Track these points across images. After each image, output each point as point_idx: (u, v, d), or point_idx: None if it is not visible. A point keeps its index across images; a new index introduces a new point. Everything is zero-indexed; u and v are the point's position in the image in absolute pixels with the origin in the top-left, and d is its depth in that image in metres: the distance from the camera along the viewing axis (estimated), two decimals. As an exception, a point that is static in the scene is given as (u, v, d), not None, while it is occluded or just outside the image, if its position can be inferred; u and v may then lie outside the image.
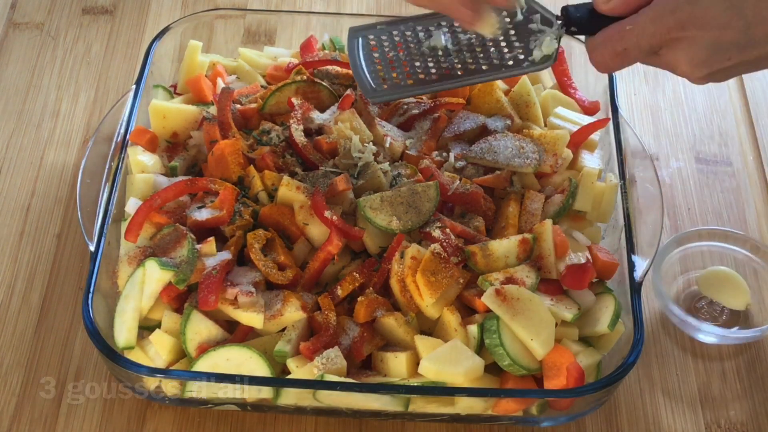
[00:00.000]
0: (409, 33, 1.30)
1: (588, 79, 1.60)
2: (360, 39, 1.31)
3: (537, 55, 1.24)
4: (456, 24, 1.28)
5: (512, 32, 1.26)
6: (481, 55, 1.27)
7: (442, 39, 1.28)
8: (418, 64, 1.28)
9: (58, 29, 1.86)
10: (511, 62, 1.25)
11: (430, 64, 1.28)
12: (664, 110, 1.77)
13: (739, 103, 1.77)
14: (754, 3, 1.06)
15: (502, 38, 1.26)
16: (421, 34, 1.30)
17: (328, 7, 1.91)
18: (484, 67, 1.26)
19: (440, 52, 1.28)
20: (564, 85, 1.58)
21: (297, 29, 1.73)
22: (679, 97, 1.79)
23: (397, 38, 1.30)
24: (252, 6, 1.92)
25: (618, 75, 1.54)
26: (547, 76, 1.63)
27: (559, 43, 1.24)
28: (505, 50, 1.26)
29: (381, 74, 1.29)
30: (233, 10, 1.84)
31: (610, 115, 1.49)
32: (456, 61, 1.27)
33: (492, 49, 1.26)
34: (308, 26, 1.69)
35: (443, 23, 1.29)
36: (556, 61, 1.24)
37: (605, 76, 1.54)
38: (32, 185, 1.62)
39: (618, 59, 1.16)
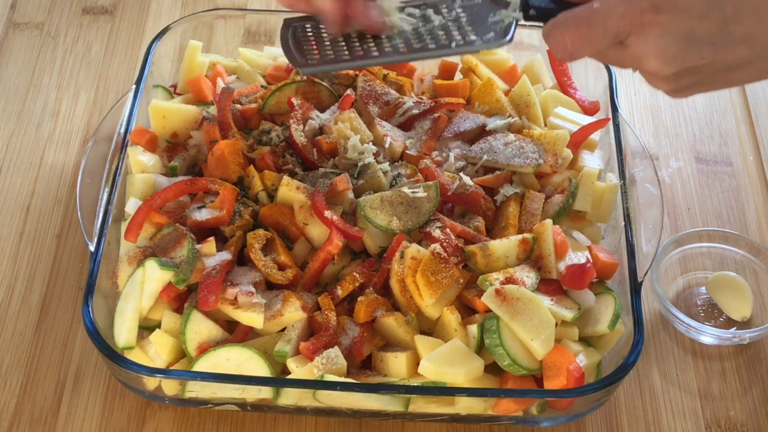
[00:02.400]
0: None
1: (588, 79, 1.60)
2: (293, 27, 1.26)
3: (491, 35, 1.16)
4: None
5: (463, 16, 1.19)
6: (428, 37, 1.20)
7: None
8: (357, 44, 1.22)
9: (58, 29, 1.86)
10: (461, 41, 1.17)
11: (371, 44, 1.21)
12: (664, 110, 1.77)
13: (739, 102, 1.77)
14: None
15: (452, 22, 1.19)
16: None
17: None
18: (431, 46, 1.18)
19: (382, 35, 1.22)
20: (564, 85, 1.58)
21: (297, 29, 1.72)
22: (679, 97, 1.78)
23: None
24: (252, 6, 1.92)
25: (618, 75, 1.54)
26: (547, 76, 1.63)
27: (515, 23, 1.16)
28: (455, 33, 1.18)
29: (314, 51, 1.22)
30: (233, 10, 1.84)
31: (610, 115, 1.49)
32: (399, 41, 1.21)
33: (440, 33, 1.19)
34: (308, 26, 1.69)
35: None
36: (511, 40, 1.15)
37: (605, 76, 1.54)
38: (32, 185, 1.62)
39: (580, 42, 1.05)
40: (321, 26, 1.26)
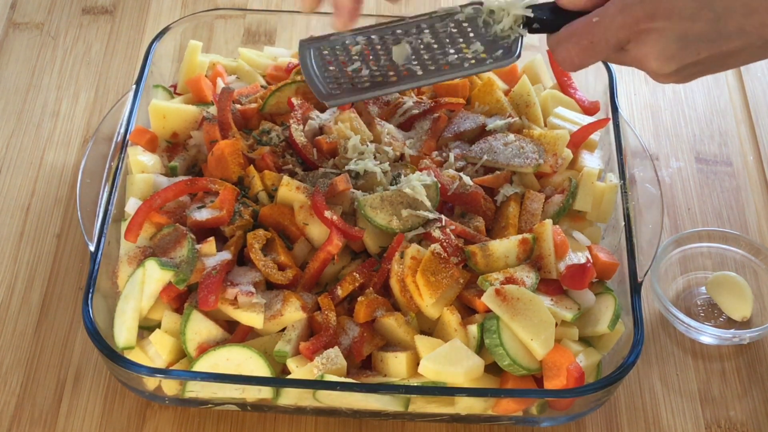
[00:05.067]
0: (363, 40, 1.29)
1: (588, 79, 1.60)
2: (311, 50, 1.30)
3: (499, 52, 1.22)
4: (413, 28, 1.27)
5: (471, 34, 1.25)
6: (440, 55, 1.25)
7: (407, 48, 1.26)
8: (375, 68, 1.26)
9: (58, 29, 1.86)
10: (473, 60, 1.23)
11: (388, 68, 1.26)
12: (664, 110, 1.77)
13: (739, 103, 1.77)
14: None
15: (461, 39, 1.25)
16: (375, 39, 1.28)
17: (328, 7, 1.91)
18: (444, 67, 1.24)
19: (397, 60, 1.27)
20: (564, 85, 1.58)
21: (297, 29, 1.72)
22: (679, 97, 1.79)
23: (351, 47, 1.29)
24: (252, 6, 1.92)
25: (618, 75, 1.54)
26: (547, 76, 1.63)
27: (521, 40, 1.22)
28: (465, 51, 1.23)
29: (336, 79, 1.27)
30: (233, 10, 1.84)
31: (610, 115, 1.49)
32: (415, 62, 1.25)
33: (451, 51, 1.24)
34: (308, 26, 1.69)
35: (398, 31, 1.28)
36: (519, 57, 1.22)
37: (605, 76, 1.54)
38: (32, 185, 1.62)
39: (585, 54, 1.14)
40: (336, 48, 1.29)
